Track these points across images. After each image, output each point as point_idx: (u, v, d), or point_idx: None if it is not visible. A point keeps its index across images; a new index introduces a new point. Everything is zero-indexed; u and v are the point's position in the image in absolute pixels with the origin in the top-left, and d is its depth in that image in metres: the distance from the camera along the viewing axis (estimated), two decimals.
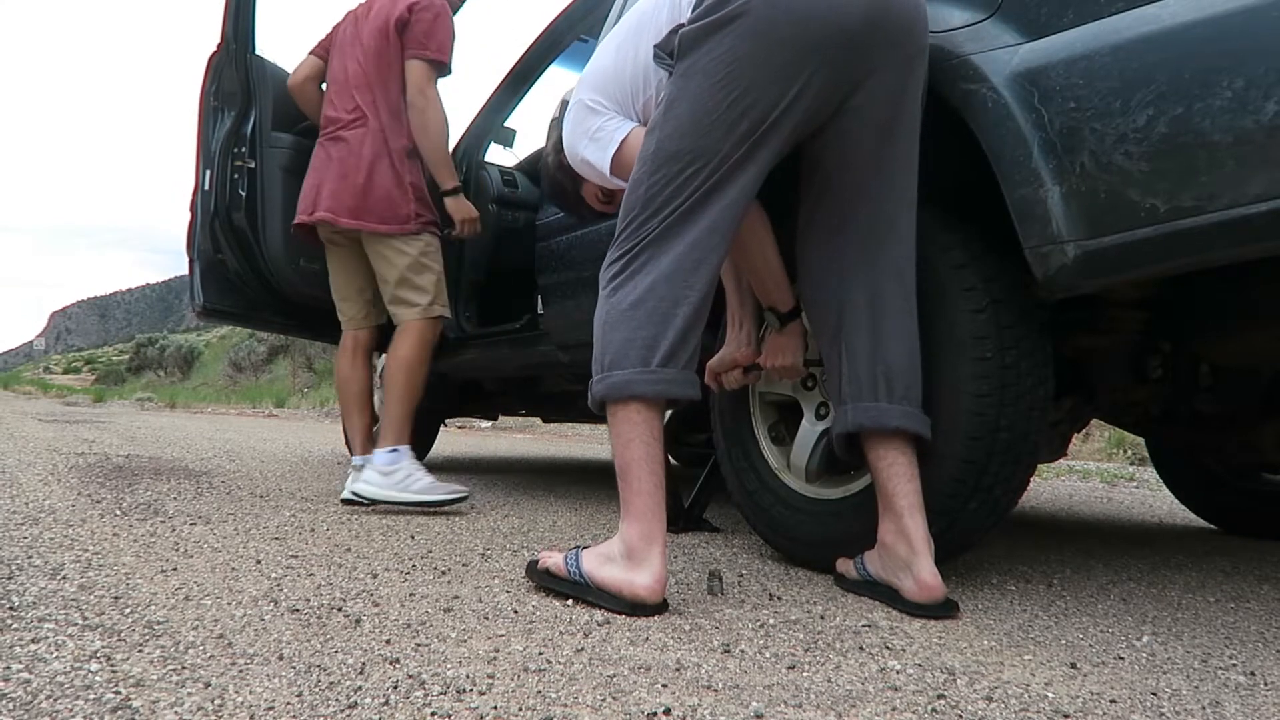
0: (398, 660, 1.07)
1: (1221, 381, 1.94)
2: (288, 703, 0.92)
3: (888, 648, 1.21)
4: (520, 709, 0.93)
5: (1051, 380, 1.51)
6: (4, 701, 0.89)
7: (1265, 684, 1.14)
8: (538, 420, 4.90)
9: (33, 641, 1.08)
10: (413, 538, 1.96)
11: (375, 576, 1.54)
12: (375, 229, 2.54)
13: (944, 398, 1.47)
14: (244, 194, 2.86)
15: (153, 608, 1.27)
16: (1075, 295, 1.44)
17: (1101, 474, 4.56)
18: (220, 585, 1.43)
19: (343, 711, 0.90)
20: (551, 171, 1.86)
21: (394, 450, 2.45)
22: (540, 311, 2.71)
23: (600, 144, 1.59)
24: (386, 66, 2.56)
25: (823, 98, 1.37)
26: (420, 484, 2.43)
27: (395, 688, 0.97)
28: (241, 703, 0.91)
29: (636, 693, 0.99)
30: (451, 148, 2.80)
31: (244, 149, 2.86)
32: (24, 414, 7.80)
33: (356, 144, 2.54)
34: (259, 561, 1.63)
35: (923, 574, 1.38)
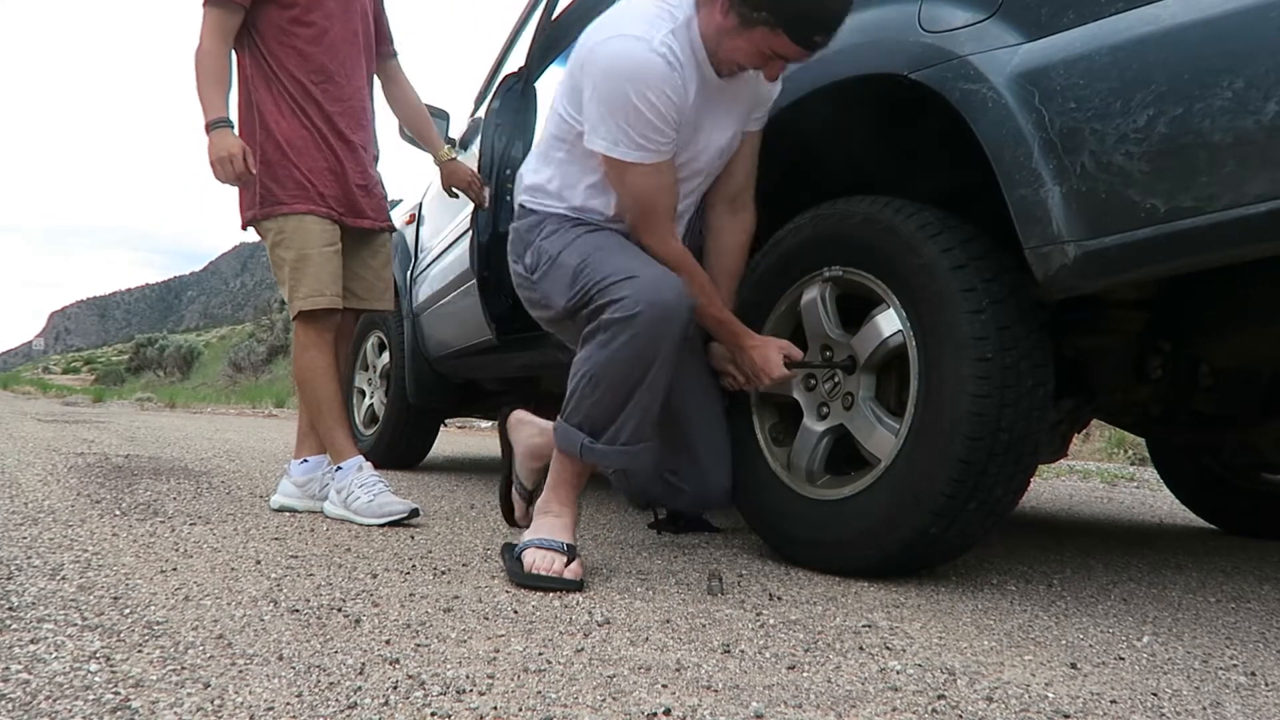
0: (397, 660, 1.07)
1: (1221, 381, 1.94)
2: (287, 703, 0.92)
3: (888, 648, 1.21)
4: (520, 709, 0.93)
5: (1051, 380, 1.51)
6: (3, 702, 0.89)
7: (1266, 684, 1.14)
8: None
9: (32, 642, 1.08)
10: (412, 538, 1.96)
11: (375, 577, 1.54)
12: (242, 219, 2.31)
13: (944, 398, 1.47)
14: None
15: (152, 608, 1.27)
16: (1075, 295, 1.44)
17: (1101, 474, 4.57)
18: (220, 585, 1.42)
19: (342, 712, 0.90)
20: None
21: (304, 461, 2.37)
22: None
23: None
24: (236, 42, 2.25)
25: None
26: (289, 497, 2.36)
27: (395, 688, 0.97)
28: (241, 703, 0.91)
29: (636, 693, 0.99)
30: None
31: (511, 171, 2.83)
32: (23, 414, 7.80)
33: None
34: (259, 562, 1.63)
35: None
